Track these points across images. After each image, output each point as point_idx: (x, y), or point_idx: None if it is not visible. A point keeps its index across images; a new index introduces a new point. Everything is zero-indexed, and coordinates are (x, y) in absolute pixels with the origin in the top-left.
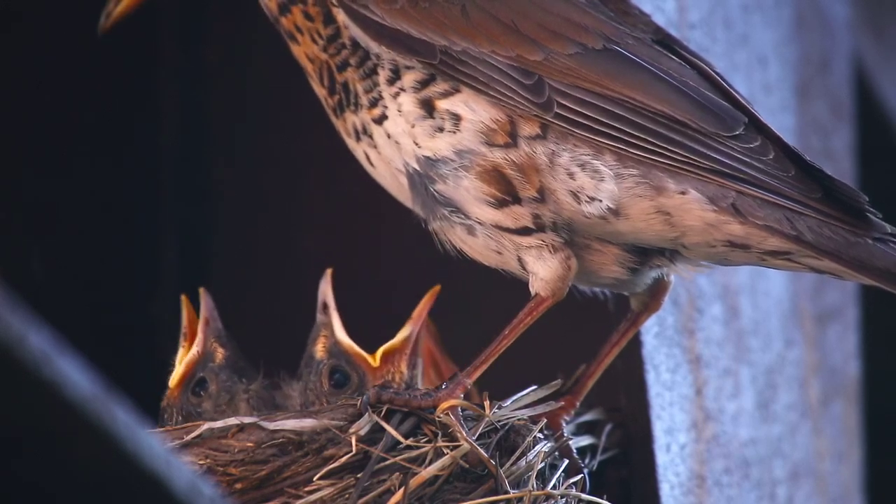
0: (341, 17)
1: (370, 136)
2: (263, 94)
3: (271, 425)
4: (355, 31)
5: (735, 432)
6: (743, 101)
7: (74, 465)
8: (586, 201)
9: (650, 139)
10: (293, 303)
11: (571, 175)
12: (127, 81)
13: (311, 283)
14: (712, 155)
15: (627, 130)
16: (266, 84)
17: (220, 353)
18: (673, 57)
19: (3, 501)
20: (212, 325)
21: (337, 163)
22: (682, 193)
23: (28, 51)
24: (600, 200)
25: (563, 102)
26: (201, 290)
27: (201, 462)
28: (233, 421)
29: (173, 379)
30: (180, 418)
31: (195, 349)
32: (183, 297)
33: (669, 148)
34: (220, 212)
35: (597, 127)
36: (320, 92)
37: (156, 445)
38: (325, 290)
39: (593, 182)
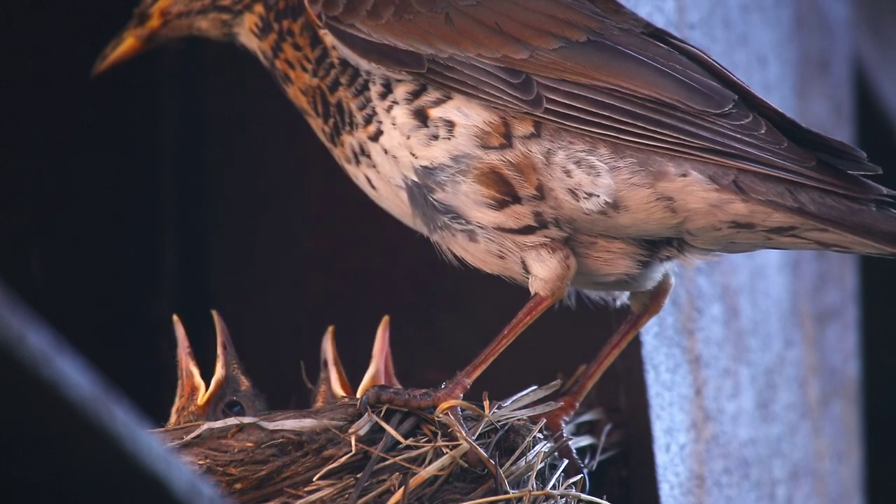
0: (329, 38)
1: (368, 156)
2: (263, 94)
3: (271, 425)
4: (344, 51)
5: (734, 432)
6: (733, 79)
7: (74, 465)
8: (584, 198)
9: (640, 124)
10: (293, 302)
11: (568, 172)
12: (127, 81)
13: (311, 283)
14: (703, 134)
15: (617, 118)
16: (266, 84)
17: (244, 382)
18: (660, 44)
19: (3, 501)
20: (229, 349)
21: (337, 162)
22: (684, 176)
23: (28, 51)
24: (598, 196)
25: (552, 97)
26: (215, 314)
27: (201, 462)
28: (232, 421)
29: (203, 396)
30: None
31: (220, 371)
32: (176, 318)
33: (660, 131)
34: (220, 212)
35: (586, 118)
36: (316, 124)
37: (155, 445)
38: (326, 348)
39: (590, 178)
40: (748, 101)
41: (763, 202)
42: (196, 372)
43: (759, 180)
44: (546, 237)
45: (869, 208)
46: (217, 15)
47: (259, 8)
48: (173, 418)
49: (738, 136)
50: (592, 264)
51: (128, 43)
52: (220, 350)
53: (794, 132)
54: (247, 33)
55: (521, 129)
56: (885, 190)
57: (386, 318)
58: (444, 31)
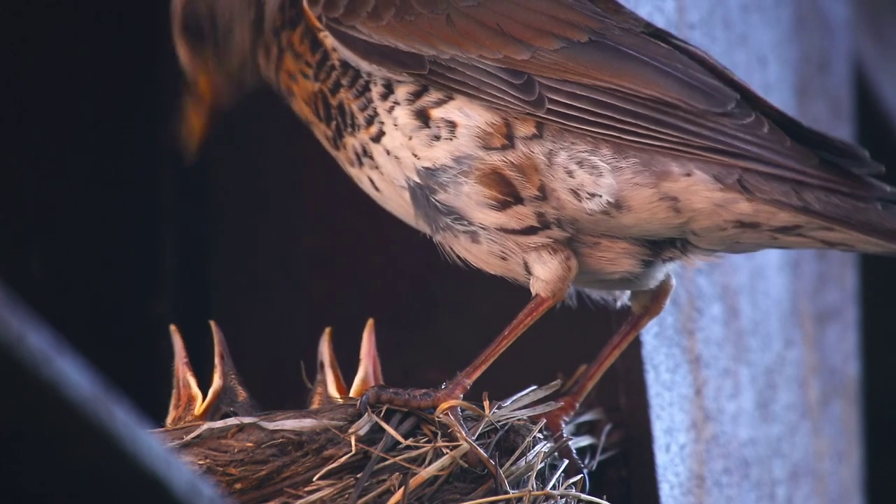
0: (329, 40)
1: (370, 157)
2: (263, 94)
3: (271, 425)
4: (345, 53)
5: (734, 432)
6: (735, 79)
7: (74, 465)
8: (587, 198)
9: (643, 124)
10: (293, 302)
11: (570, 173)
12: (127, 81)
13: (311, 282)
14: (705, 133)
15: (619, 118)
16: (266, 84)
17: (241, 393)
18: (661, 44)
19: (2, 501)
20: (227, 360)
21: (337, 163)
22: (688, 175)
23: (28, 51)
24: (600, 196)
25: (554, 97)
26: (212, 324)
27: (201, 462)
28: (233, 421)
29: (200, 407)
30: None
31: (217, 381)
32: (173, 328)
33: (662, 131)
34: (220, 212)
35: (589, 118)
36: (320, 130)
37: (155, 445)
38: (323, 350)
39: (592, 178)
40: (750, 100)
41: (768, 201)
42: (193, 382)
43: (763, 179)
44: (549, 238)
45: (874, 206)
46: (251, 72)
47: (265, 40)
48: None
49: (741, 135)
50: (596, 263)
51: (199, 124)
52: (217, 360)
53: (796, 131)
54: (264, 68)
55: (523, 129)
56: (888, 188)
57: (371, 322)
58: (446, 32)
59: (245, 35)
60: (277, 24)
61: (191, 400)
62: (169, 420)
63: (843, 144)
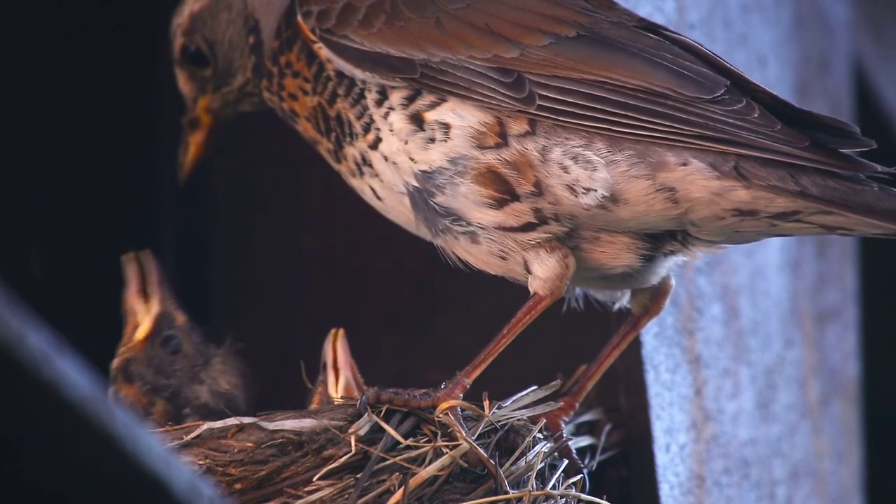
0: (324, 52)
1: (370, 166)
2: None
3: (271, 425)
4: (339, 63)
5: (734, 432)
6: (726, 65)
7: (74, 465)
8: (582, 193)
9: (633, 115)
10: (293, 302)
11: (565, 169)
12: (126, 81)
13: (311, 282)
14: (696, 120)
15: (609, 110)
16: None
17: (180, 316)
18: (651, 35)
19: (2, 501)
20: (163, 286)
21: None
22: (684, 165)
23: (28, 51)
24: (595, 190)
25: (544, 94)
26: (146, 254)
27: (201, 462)
28: (232, 421)
29: (141, 331)
30: (150, 371)
31: (155, 307)
32: (129, 256)
33: (653, 120)
34: (220, 212)
35: (579, 112)
36: (323, 146)
37: (155, 445)
38: (326, 350)
39: (587, 173)
40: (741, 86)
41: (765, 187)
42: (140, 311)
43: (759, 166)
44: (547, 233)
45: (871, 188)
46: (250, 99)
47: (266, 69)
48: (116, 361)
49: (731, 120)
50: (597, 259)
51: (195, 146)
52: (154, 288)
53: (788, 114)
54: (267, 96)
55: (516, 127)
56: (879, 167)
57: (341, 331)
58: (436, 35)
59: (245, 62)
60: (275, 48)
61: (136, 328)
62: (119, 351)
63: (835, 122)
